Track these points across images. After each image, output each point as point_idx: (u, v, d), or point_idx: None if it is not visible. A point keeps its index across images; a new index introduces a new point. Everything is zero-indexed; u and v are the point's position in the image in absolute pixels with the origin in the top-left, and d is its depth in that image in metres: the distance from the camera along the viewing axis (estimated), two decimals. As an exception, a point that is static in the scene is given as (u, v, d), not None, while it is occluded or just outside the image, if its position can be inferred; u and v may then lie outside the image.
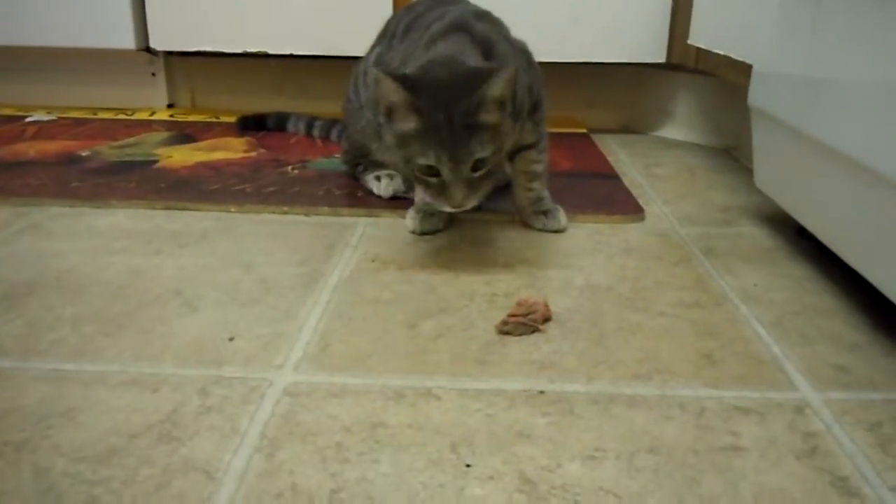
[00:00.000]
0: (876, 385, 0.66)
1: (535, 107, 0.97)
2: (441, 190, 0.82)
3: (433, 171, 0.81)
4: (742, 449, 0.56)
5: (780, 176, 0.99)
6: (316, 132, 1.49)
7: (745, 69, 1.10)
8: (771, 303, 0.81)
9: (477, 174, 0.82)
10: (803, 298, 0.82)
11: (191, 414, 0.58)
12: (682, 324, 0.75)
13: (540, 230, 1.00)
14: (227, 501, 0.49)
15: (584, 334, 0.73)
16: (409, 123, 0.81)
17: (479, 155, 0.80)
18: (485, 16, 0.99)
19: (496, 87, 0.80)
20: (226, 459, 0.53)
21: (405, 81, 0.81)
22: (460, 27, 0.91)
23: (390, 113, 0.83)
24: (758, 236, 1.01)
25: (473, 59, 0.86)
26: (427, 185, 0.83)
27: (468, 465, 0.53)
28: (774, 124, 0.97)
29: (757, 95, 1.02)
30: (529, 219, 1.02)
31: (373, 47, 1.15)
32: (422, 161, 0.81)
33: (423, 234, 0.99)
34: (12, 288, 0.80)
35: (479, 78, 0.80)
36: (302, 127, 1.51)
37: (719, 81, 1.46)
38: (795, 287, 0.85)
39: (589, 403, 0.61)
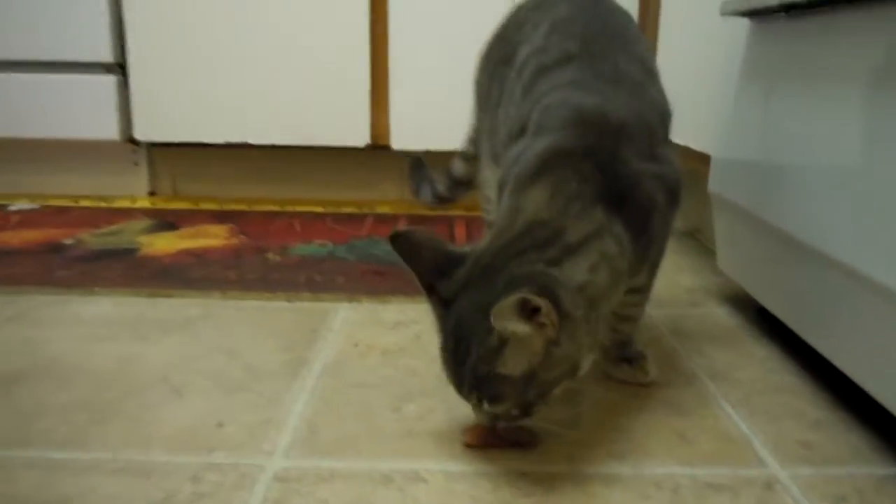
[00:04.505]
0: (839, 460, 0.69)
1: (658, 254, 0.79)
2: None
3: None
4: (716, 524, 0.59)
5: (741, 259, 1.05)
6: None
7: (704, 158, 1.17)
8: (737, 382, 0.85)
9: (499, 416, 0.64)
10: (767, 377, 0.86)
11: (184, 501, 0.60)
12: (654, 403, 0.79)
13: (621, 381, 0.83)
14: (222, 587, 0.50)
15: (562, 415, 0.75)
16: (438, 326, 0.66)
17: (489, 410, 0.63)
18: (627, 84, 0.75)
19: (510, 326, 0.59)
20: (220, 545, 0.55)
21: (433, 285, 0.65)
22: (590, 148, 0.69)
23: None
24: (722, 316, 1.06)
25: (575, 232, 0.65)
26: None
27: (456, 546, 0.55)
28: (733, 210, 1.04)
29: (716, 183, 1.09)
30: (609, 364, 0.84)
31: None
32: (442, 369, 0.65)
33: None
34: (3, 378, 0.81)
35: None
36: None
37: (683, 169, 1.53)
38: (759, 366, 0.89)
39: (569, 483, 0.64)
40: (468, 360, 0.61)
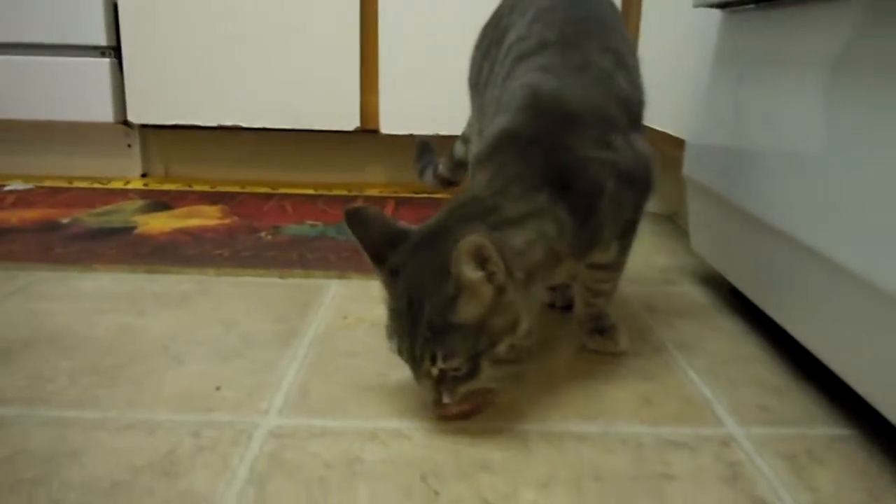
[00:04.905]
0: (793, 422, 0.75)
1: (626, 230, 0.83)
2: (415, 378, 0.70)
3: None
4: (674, 476, 0.64)
5: (712, 239, 1.10)
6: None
7: (680, 143, 1.22)
8: (704, 352, 0.90)
9: (449, 376, 0.67)
10: (732, 348, 0.92)
11: (186, 453, 0.65)
12: (624, 370, 0.84)
13: (594, 351, 0.89)
14: (224, 526, 0.56)
15: (538, 380, 0.81)
16: (387, 297, 0.71)
17: (443, 366, 0.66)
18: (594, 74, 0.79)
19: (466, 271, 0.63)
20: (220, 491, 0.60)
21: (383, 258, 0.69)
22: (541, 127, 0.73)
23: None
24: (694, 294, 1.12)
25: (512, 209, 0.69)
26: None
27: (437, 493, 0.60)
28: (705, 193, 1.09)
29: (690, 167, 1.14)
30: (584, 335, 0.90)
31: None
32: (389, 343, 0.70)
33: None
34: (9, 344, 0.86)
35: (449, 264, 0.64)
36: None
37: (661, 154, 1.59)
38: (726, 338, 0.95)
39: (542, 440, 0.69)
40: (422, 316, 0.65)
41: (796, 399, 0.79)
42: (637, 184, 0.79)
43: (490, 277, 0.64)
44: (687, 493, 0.62)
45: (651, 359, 0.88)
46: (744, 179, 0.94)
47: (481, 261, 0.63)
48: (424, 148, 1.29)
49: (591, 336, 0.89)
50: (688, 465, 0.66)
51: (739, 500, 0.61)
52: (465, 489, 0.61)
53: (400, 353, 0.69)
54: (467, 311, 0.65)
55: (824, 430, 0.73)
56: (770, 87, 0.89)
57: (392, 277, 0.69)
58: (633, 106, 0.83)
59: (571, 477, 0.63)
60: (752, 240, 0.93)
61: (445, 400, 0.68)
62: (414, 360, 0.68)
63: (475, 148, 1.03)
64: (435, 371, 0.67)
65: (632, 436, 0.71)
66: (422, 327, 0.65)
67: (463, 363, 0.66)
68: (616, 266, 0.85)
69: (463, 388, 0.68)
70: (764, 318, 0.94)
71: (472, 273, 0.64)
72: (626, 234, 0.83)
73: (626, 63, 0.84)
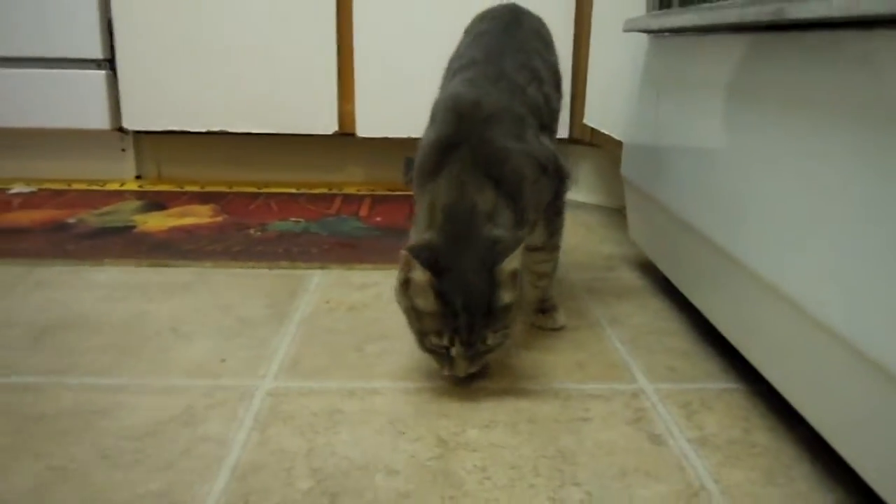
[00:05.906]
0: (694, 379, 0.92)
1: (555, 213, 0.98)
2: (447, 360, 0.83)
3: (443, 347, 0.82)
4: (590, 419, 0.81)
5: (644, 231, 1.27)
6: None
7: (622, 145, 1.39)
8: (630, 326, 1.07)
9: (484, 350, 0.83)
10: (655, 323, 1.09)
11: (201, 409, 0.80)
12: (562, 342, 1.01)
13: (539, 327, 1.05)
14: (236, 458, 0.71)
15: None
16: (427, 302, 0.80)
17: (492, 343, 0.82)
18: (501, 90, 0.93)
19: (510, 264, 0.80)
20: (231, 434, 0.75)
21: (430, 261, 0.79)
22: (464, 132, 0.87)
23: (408, 284, 0.81)
24: (631, 279, 1.29)
25: (483, 202, 0.83)
26: (434, 354, 0.84)
27: (402, 432, 0.77)
28: (638, 191, 1.26)
29: (626, 168, 1.31)
30: (530, 314, 1.05)
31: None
32: (435, 341, 0.82)
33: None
34: (38, 329, 1.01)
35: (495, 256, 0.80)
36: None
37: (611, 155, 1.76)
38: (651, 315, 1.12)
39: (491, 395, 0.86)
40: (479, 308, 0.79)
41: (700, 362, 0.96)
42: (549, 172, 0.95)
43: (514, 270, 0.81)
44: (598, 431, 0.78)
45: (586, 332, 1.05)
46: (663, 181, 1.10)
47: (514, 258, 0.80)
48: (411, 161, 1.47)
49: (535, 315, 1.06)
50: (602, 411, 0.83)
51: (640, 435, 0.78)
52: (424, 430, 0.77)
53: (450, 344, 0.81)
54: (507, 296, 0.81)
55: (717, 385, 0.90)
56: (680, 103, 1.05)
57: (440, 290, 0.79)
58: (542, 112, 0.99)
59: (510, 420, 0.80)
60: (671, 232, 1.10)
61: (473, 370, 0.84)
62: (469, 345, 0.81)
63: None
64: (483, 348, 0.82)
65: (562, 391, 0.87)
66: (479, 314, 0.79)
67: (503, 336, 0.83)
68: (550, 248, 1.01)
69: (486, 358, 0.85)
70: (685, 299, 1.11)
71: (509, 267, 0.80)
72: (554, 219, 0.99)
73: (541, 79, 1.01)
